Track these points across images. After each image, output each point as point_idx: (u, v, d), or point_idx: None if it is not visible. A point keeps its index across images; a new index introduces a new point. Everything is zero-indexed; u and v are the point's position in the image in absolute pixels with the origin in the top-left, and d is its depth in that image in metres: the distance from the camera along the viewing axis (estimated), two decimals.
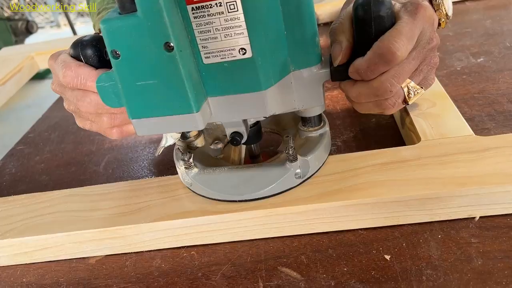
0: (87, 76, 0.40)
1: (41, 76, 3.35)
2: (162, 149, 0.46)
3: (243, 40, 0.35)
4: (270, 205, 0.42)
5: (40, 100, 3.02)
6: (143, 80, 0.36)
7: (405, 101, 0.42)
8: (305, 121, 0.46)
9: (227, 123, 0.42)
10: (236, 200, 0.43)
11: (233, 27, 0.35)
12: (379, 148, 0.46)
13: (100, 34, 0.41)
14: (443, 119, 0.48)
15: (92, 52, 0.41)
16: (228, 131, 0.43)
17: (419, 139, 0.46)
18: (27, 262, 0.46)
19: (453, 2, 0.59)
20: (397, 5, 0.40)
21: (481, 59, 0.65)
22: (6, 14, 3.30)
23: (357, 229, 0.42)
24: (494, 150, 0.42)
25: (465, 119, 0.48)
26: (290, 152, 0.42)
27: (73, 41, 0.42)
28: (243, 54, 0.36)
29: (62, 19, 5.37)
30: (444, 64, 0.66)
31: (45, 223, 0.46)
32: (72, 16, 5.33)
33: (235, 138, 0.42)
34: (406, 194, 0.39)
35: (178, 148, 0.46)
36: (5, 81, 0.88)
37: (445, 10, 0.44)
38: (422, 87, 0.42)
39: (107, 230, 0.43)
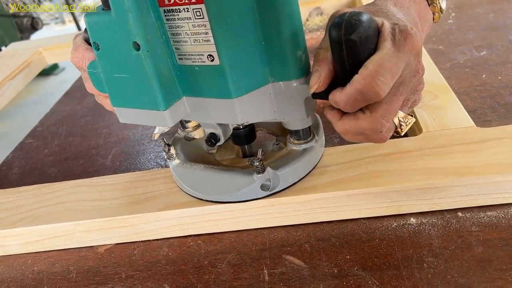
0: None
1: (46, 72, 3.37)
2: (156, 135, 0.47)
3: (211, 47, 0.35)
4: (273, 195, 0.43)
5: (46, 96, 3.04)
6: (118, 73, 0.37)
7: (396, 132, 0.38)
8: (291, 132, 0.44)
9: (204, 123, 0.43)
10: (203, 199, 0.43)
11: (200, 33, 0.35)
12: None
13: None
14: (445, 111, 0.49)
15: None
16: (206, 131, 0.44)
17: (420, 131, 0.47)
18: (38, 250, 0.48)
19: None
20: (386, 26, 0.34)
21: (484, 52, 0.66)
22: (11, 11, 3.30)
23: (359, 218, 0.43)
24: (494, 141, 0.43)
25: (467, 111, 0.48)
26: (256, 164, 0.41)
27: None
28: (211, 61, 0.36)
29: (67, 16, 5.38)
30: (447, 57, 0.66)
31: (55, 212, 0.47)
32: (76, 13, 5.36)
33: (211, 139, 0.43)
34: (406, 184, 0.40)
35: (163, 138, 0.46)
36: (14, 75, 0.89)
37: (439, 4, 0.43)
38: (411, 115, 0.38)
39: (115, 219, 0.44)
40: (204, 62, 0.36)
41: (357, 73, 0.33)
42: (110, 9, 0.34)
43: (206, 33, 0.35)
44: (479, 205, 0.41)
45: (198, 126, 0.48)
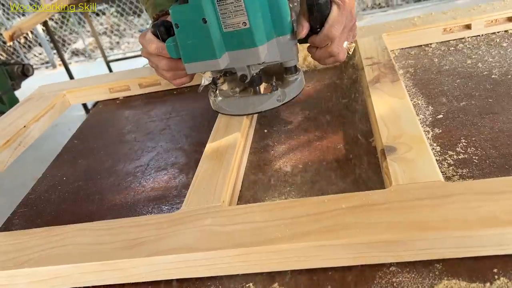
0: (163, 47, 0.67)
1: None
2: (202, 87, 0.77)
3: (245, 17, 0.62)
4: (250, 244, 0.46)
5: (37, 141, 2.99)
6: (191, 40, 0.63)
7: (348, 53, 0.69)
8: (286, 70, 0.72)
9: (238, 68, 0.68)
10: (242, 114, 0.72)
11: (238, 11, 0.61)
12: None
13: (161, 19, 0.70)
14: (416, 163, 0.51)
15: (163, 28, 0.67)
16: (239, 73, 0.69)
17: (391, 183, 0.50)
18: None
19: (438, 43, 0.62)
20: None
21: (464, 102, 0.66)
22: (2, 58, 3.36)
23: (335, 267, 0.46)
24: (457, 196, 0.45)
25: (447, 164, 0.51)
26: (273, 84, 0.70)
27: (153, 23, 0.70)
28: (244, 26, 0.62)
29: (57, 59, 5.38)
30: (428, 109, 0.67)
31: (58, 255, 0.52)
32: (66, 56, 5.53)
33: (243, 77, 0.69)
34: (370, 237, 0.43)
35: (211, 86, 0.76)
36: (39, 117, 0.98)
37: None
38: (352, 43, 0.70)
39: (107, 263, 0.49)
40: (240, 27, 0.62)
41: (323, 25, 0.64)
42: (187, 1, 0.60)
43: (242, 10, 0.61)
44: (440, 258, 0.43)
45: (224, 82, 0.75)
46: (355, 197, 0.49)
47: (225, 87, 0.76)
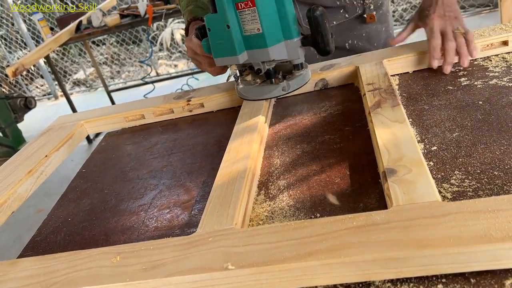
0: (201, 47, 0.89)
1: None
2: (229, 78, 1.04)
3: (258, 25, 0.81)
4: (261, 264, 0.50)
5: None
6: (218, 41, 0.84)
7: (463, 36, 0.88)
8: (294, 66, 0.90)
9: (254, 63, 0.87)
10: (257, 99, 0.91)
11: (254, 19, 0.81)
12: None
13: (192, 23, 1.01)
14: (415, 185, 0.55)
15: (203, 31, 0.88)
16: (255, 67, 0.88)
17: (392, 204, 0.53)
18: None
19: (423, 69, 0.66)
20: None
21: (456, 133, 0.68)
22: (5, 91, 3.46)
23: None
24: (453, 215, 0.48)
25: (442, 197, 0.55)
26: (280, 77, 0.89)
27: (196, 27, 0.92)
28: (258, 31, 0.82)
29: (59, 90, 5.52)
30: (422, 141, 0.69)
31: (82, 277, 0.56)
32: (68, 87, 5.70)
33: (258, 71, 0.88)
34: (373, 254, 0.47)
35: (234, 76, 0.96)
36: (59, 147, 1.03)
37: None
38: (459, 28, 0.88)
39: (130, 284, 0.53)
40: (255, 32, 0.82)
41: (319, 33, 0.80)
42: (216, 12, 0.80)
43: (257, 19, 0.80)
44: (439, 273, 0.46)
45: (247, 74, 0.94)
46: (358, 217, 0.52)
47: (248, 78, 0.95)
